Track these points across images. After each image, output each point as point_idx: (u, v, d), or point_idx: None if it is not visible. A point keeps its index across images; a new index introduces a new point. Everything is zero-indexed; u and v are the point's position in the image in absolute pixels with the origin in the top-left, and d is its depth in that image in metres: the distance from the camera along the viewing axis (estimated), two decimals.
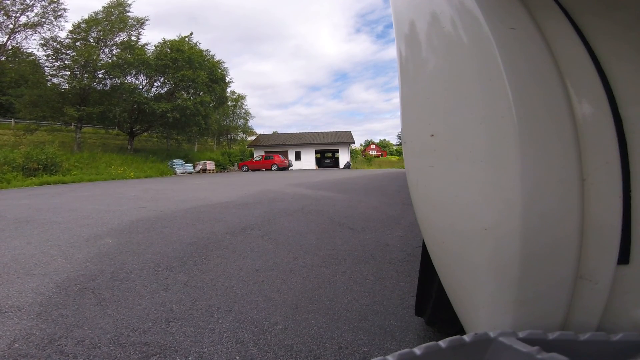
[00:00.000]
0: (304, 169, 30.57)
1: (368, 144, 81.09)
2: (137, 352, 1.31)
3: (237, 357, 1.27)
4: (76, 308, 1.71)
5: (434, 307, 1.20)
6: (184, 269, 2.33)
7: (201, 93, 24.08)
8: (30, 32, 18.97)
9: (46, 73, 19.90)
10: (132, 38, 21.58)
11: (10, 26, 18.36)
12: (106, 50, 20.99)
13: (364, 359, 1.26)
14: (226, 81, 27.67)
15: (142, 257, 2.62)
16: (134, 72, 22.06)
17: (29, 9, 18.43)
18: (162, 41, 23.01)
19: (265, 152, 33.02)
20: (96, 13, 20.26)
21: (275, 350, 1.32)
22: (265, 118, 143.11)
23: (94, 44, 20.13)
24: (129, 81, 22.18)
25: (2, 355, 1.29)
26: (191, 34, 24.34)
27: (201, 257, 2.60)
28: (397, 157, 54.22)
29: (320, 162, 35.62)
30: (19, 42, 19.40)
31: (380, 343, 1.37)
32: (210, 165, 25.18)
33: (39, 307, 1.72)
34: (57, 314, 1.65)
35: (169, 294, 1.89)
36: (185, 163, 23.71)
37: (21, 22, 18.60)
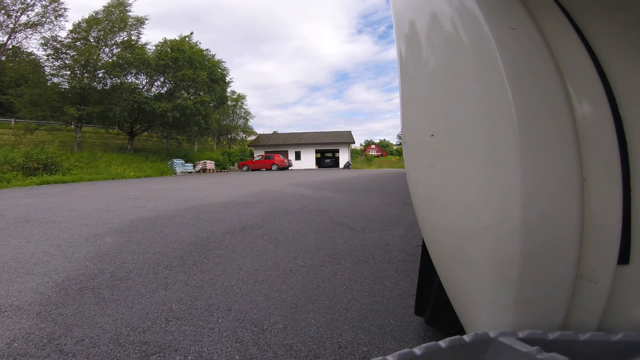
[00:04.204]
0: (304, 169, 30.57)
1: (368, 144, 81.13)
2: (136, 352, 1.31)
3: (237, 357, 1.27)
4: (76, 307, 1.71)
5: (434, 306, 1.20)
6: (183, 268, 2.33)
7: (201, 93, 24.07)
8: (30, 32, 18.97)
9: (46, 72, 19.89)
10: (133, 37, 21.59)
11: (11, 25, 18.35)
12: (106, 49, 20.97)
13: (363, 358, 1.26)
14: (226, 81, 27.67)
15: (141, 256, 2.62)
16: (134, 71, 22.04)
17: (30, 9, 18.44)
18: (162, 41, 23.03)
19: (265, 151, 33.00)
20: (97, 12, 20.24)
21: (274, 349, 1.32)
22: (266, 118, 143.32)
23: (95, 44, 20.11)
24: (129, 81, 22.18)
25: (2, 354, 1.29)
26: (191, 33, 24.35)
27: (201, 257, 2.60)
28: (397, 157, 54.22)
29: (320, 162, 35.61)
30: (19, 42, 19.42)
31: (380, 342, 1.37)
32: (210, 164, 25.17)
33: (39, 306, 1.72)
34: (57, 313, 1.65)
35: (169, 293, 1.89)
36: (185, 163, 23.70)
37: (21, 22, 18.61)
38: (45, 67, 19.91)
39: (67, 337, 1.41)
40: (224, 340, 1.39)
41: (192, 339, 1.40)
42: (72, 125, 20.95)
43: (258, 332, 1.46)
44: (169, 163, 22.46)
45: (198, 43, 24.28)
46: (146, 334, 1.44)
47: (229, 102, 34.37)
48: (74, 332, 1.46)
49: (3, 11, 17.67)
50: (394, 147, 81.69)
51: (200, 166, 24.57)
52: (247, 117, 39.86)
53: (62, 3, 19.05)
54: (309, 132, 38.59)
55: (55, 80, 19.66)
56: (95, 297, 1.83)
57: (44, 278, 2.15)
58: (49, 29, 19.13)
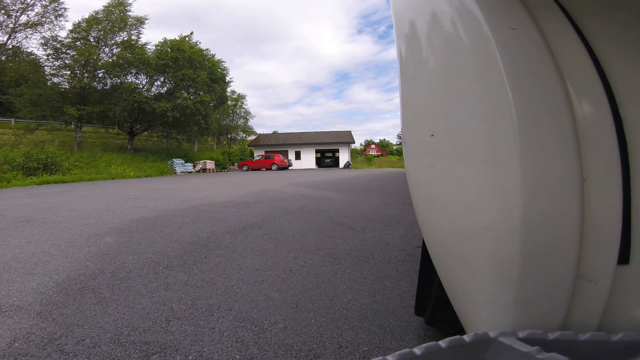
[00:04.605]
0: (304, 169, 30.57)
1: (368, 144, 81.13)
2: (137, 351, 1.31)
3: (237, 356, 1.28)
4: (76, 307, 1.71)
5: (434, 306, 1.20)
6: (184, 268, 2.33)
7: (201, 92, 24.07)
8: (30, 32, 18.96)
9: (46, 72, 19.90)
10: (133, 37, 21.60)
11: (11, 25, 18.34)
12: (106, 49, 20.97)
13: (363, 358, 1.26)
14: (226, 81, 27.67)
15: (142, 256, 2.62)
16: (134, 71, 22.06)
17: (30, 8, 18.42)
18: (162, 41, 23.04)
19: (265, 151, 33.00)
20: (97, 12, 20.24)
21: (275, 349, 1.32)
22: (266, 118, 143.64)
23: (95, 44, 20.11)
24: (129, 80, 22.19)
25: (3, 354, 1.29)
26: (191, 33, 24.34)
27: (201, 257, 2.60)
28: (397, 157, 54.25)
29: (320, 162, 35.60)
30: (19, 42, 19.41)
31: (380, 342, 1.37)
32: (210, 164, 25.18)
33: (39, 306, 1.72)
34: (58, 313, 1.65)
35: (169, 293, 1.89)
36: (185, 162, 23.70)
37: (21, 22, 18.59)
38: (45, 67, 19.93)
39: (68, 337, 1.42)
40: (224, 340, 1.39)
41: (193, 338, 1.41)
42: (72, 125, 20.95)
43: (258, 331, 1.46)
44: (169, 163, 22.46)
45: (198, 43, 24.31)
46: (147, 334, 1.44)
47: (229, 102, 34.37)
48: (74, 332, 1.46)
49: (3, 11, 17.65)
50: (394, 147, 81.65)
51: (200, 166, 24.58)
52: (247, 117, 39.92)
53: (62, 3, 19.03)
54: (309, 132, 38.60)
55: (55, 80, 19.69)
56: (95, 297, 1.83)
57: (45, 278, 2.15)
58: (49, 28, 19.13)
